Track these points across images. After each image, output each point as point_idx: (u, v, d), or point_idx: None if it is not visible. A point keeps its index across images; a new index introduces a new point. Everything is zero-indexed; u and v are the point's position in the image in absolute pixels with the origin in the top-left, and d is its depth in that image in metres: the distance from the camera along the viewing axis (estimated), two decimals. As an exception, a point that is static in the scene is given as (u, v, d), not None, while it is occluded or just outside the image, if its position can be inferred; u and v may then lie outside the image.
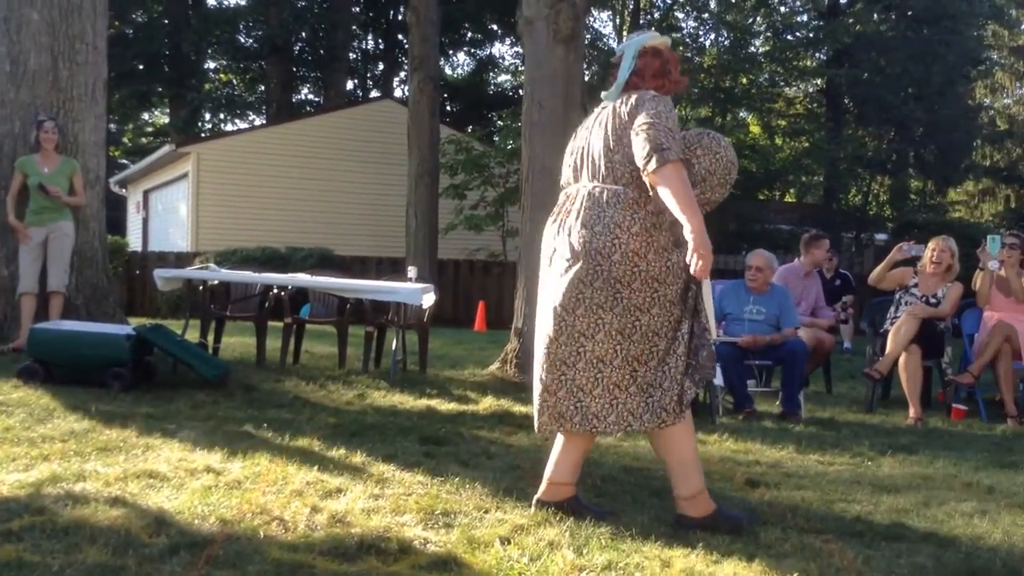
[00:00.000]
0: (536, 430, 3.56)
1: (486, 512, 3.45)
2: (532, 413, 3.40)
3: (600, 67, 18.98)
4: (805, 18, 20.86)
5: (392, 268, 14.06)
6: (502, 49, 29.60)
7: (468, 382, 7.50)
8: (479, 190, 16.15)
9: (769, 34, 20.50)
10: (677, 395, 3.30)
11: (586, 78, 18.42)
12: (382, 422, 5.37)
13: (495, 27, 26.11)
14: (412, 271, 7.99)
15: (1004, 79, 27.64)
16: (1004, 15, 25.45)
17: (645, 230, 3.24)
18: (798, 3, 20.68)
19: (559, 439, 3.58)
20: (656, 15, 20.42)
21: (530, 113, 7.81)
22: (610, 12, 20.57)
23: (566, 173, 3.53)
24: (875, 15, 20.65)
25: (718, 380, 6.04)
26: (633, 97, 3.31)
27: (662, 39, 3.54)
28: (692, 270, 3.14)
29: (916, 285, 6.82)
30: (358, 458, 4.28)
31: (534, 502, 3.52)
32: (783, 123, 21.71)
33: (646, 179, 3.18)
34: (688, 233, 3.09)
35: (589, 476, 4.13)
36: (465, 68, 29.67)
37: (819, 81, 21.83)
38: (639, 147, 3.16)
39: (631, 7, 20.11)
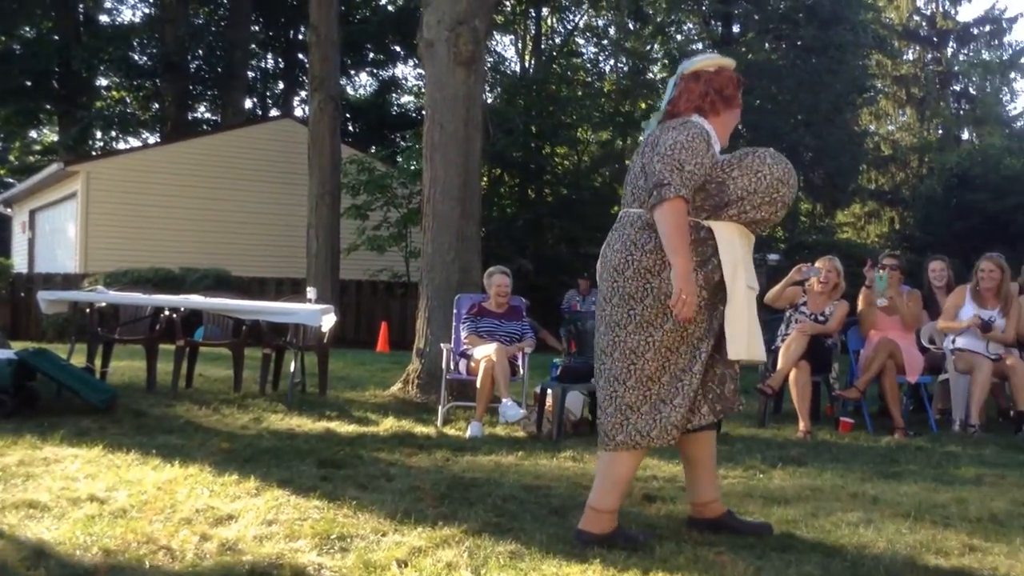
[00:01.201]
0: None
1: (383, 535, 3.40)
2: (436, 433, 3.42)
3: (503, 90, 19.15)
4: (700, 46, 21.48)
5: (293, 289, 13.82)
6: (405, 70, 29.66)
7: (369, 404, 7.41)
8: (382, 211, 16.05)
9: (666, 61, 21.05)
10: (684, 414, 3.30)
11: (489, 100, 18.60)
12: (278, 446, 5.25)
13: (398, 48, 26.07)
14: (311, 292, 7.87)
15: (887, 106, 29.05)
16: (887, 45, 26.72)
17: (659, 248, 3.23)
18: (693, 32, 21.30)
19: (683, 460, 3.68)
20: (557, 40, 20.74)
21: (431, 134, 7.81)
22: (512, 36, 20.81)
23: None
24: (766, 44, 21.42)
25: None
26: (665, 125, 3.37)
27: (709, 60, 3.54)
28: (674, 313, 3.17)
29: (805, 303, 7.06)
30: (251, 483, 4.17)
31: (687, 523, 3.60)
32: (681, 147, 22.26)
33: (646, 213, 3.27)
34: (673, 275, 3.15)
35: (488, 496, 4.12)
36: (368, 88, 29.53)
37: (715, 107, 22.50)
38: (649, 179, 3.24)
39: (533, 32, 20.37)
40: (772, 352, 7.11)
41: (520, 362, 6.72)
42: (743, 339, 3.30)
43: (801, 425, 6.42)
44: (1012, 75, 28.91)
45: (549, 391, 6.19)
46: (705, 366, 3.35)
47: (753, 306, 3.37)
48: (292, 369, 7.30)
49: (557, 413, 5.96)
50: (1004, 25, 28.50)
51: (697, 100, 3.43)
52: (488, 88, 19.35)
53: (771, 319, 7.94)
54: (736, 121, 3.58)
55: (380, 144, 24.72)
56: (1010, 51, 28.73)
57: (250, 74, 27.46)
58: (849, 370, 7.21)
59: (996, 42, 28.91)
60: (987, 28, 28.72)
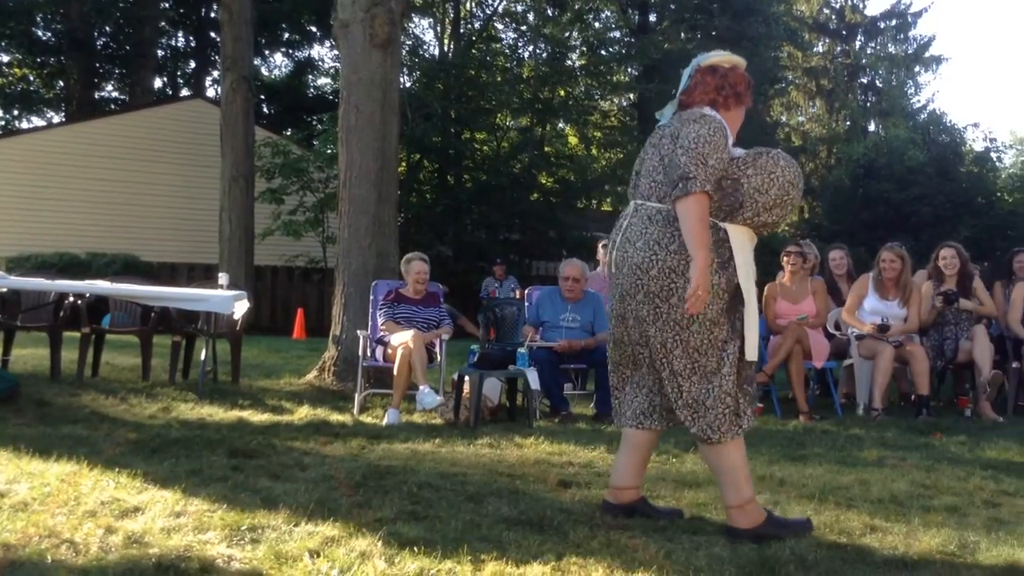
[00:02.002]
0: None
1: (296, 525, 3.34)
2: (352, 421, 3.39)
3: (422, 73, 18.98)
4: (617, 34, 21.67)
5: (205, 275, 13.50)
6: (321, 51, 29.08)
7: (283, 392, 7.29)
8: (298, 195, 15.79)
9: (584, 48, 21.17)
10: (726, 414, 3.32)
11: (407, 84, 18.42)
12: (188, 436, 5.12)
13: (314, 28, 25.60)
14: (223, 278, 7.69)
15: (798, 98, 29.80)
16: (798, 38, 27.39)
17: (683, 248, 3.23)
18: (611, 20, 21.46)
19: (623, 445, 3.67)
20: (476, 25, 20.65)
21: (347, 117, 7.70)
22: (431, 20, 20.63)
23: (629, 192, 3.59)
24: (682, 34, 21.74)
25: (535, 384, 6.16)
26: (682, 116, 3.36)
27: (724, 57, 3.55)
28: (687, 304, 3.19)
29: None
30: (159, 475, 4.05)
31: (601, 508, 3.63)
32: (599, 135, 22.44)
33: (671, 205, 3.26)
34: (692, 268, 3.16)
35: (404, 483, 4.10)
36: (283, 69, 28.94)
37: (631, 95, 22.73)
38: (671, 172, 3.25)
39: (452, 16, 20.24)
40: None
41: (438, 349, 6.70)
42: (753, 341, 3.39)
43: (714, 410, 6.55)
44: (916, 68, 29.89)
45: (467, 378, 6.18)
46: (737, 370, 3.37)
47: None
48: (203, 357, 7.13)
49: (474, 400, 5.96)
50: (909, 19, 29.52)
51: (712, 93, 3.45)
52: (406, 71, 19.15)
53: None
54: (742, 120, 3.61)
55: (296, 127, 24.28)
56: (915, 45, 29.75)
57: (159, 52, 26.65)
58: (760, 356, 7.38)
59: (902, 36, 29.91)
60: (893, 22, 29.69)
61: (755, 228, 3.41)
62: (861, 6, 29.85)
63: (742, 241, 3.36)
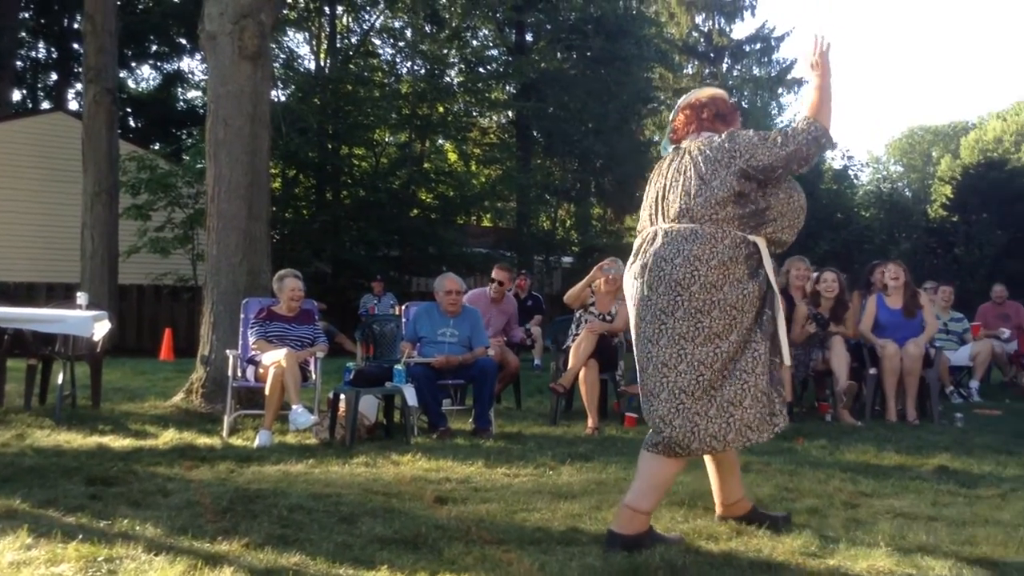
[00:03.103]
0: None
1: (156, 555, 3.20)
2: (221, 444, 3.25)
3: (297, 87, 18.66)
4: (495, 53, 21.86)
5: (65, 294, 12.81)
6: (191, 64, 28.18)
7: (148, 415, 6.99)
8: (165, 211, 15.22)
9: (462, 66, 21.26)
10: (762, 412, 3.42)
11: (281, 98, 18.08)
12: (43, 464, 4.84)
13: (183, 41, 24.83)
14: (82, 297, 7.33)
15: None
16: (669, 59, 28.25)
17: (722, 263, 3.37)
18: (488, 38, 21.64)
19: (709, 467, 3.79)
20: (353, 40, 20.45)
21: (215, 131, 7.48)
22: (306, 33, 20.32)
23: (643, 217, 3.69)
24: (558, 54, 22.10)
25: (412, 401, 6.09)
26: (715, 140, 3.52)
27: (701, 92, 3.81)
28: (714, 311, 3.35)
29: (594, 304, 7.31)
30: (11, 505, 3.81)
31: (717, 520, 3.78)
32: (478, 151, 22.56)
33: (802, 119, 3.44)
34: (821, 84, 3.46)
35: (274, 507, 3.98)
36: (151, 82, 27.93)
37: (510, 113, 22.95)
38: (773, 134, 3.44)
39: (328, 30, 19.99)
40: (564, 352, 7.33)
41: (312, 367, 6.55)
42: (786, 345, 3.54)
43: (590, 422, 6.64)
44: (780, 90, 31.28)
45: (342, 396, 6.06)
46: (769, 371, 3.46)
47: None
48: (60, 381, 6.77)
49: (350, 418, 5.85)
50: (773, 43, 30.82)
51: (697, 122, 3.69)
52: (280, 85, 18.79)
53: (561, 319, 8.19)
54: None
55: (165, 141, 23.46)
56: (778, 68, 31.11)
57: (19, 64, 25.30)
58: (634, 367, 7.50)
59: (766, 59, 31.21)
60: (758, 46, 30.95)
61: (771, 243, 3.55)
62: (728, 30, 30.97)
63: (766, 253, 3.50)
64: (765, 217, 3.48)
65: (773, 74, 30.96)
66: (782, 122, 30.56)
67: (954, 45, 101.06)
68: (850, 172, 24.16)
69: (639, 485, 3.49)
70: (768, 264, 3.49)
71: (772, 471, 5.02)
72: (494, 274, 8.60)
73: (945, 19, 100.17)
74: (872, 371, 7.49)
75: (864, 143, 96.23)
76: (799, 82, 31.04)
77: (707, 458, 3.74)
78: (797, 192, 3.57)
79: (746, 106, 30.56)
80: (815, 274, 7.79)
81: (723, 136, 3.52)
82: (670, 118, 3.83)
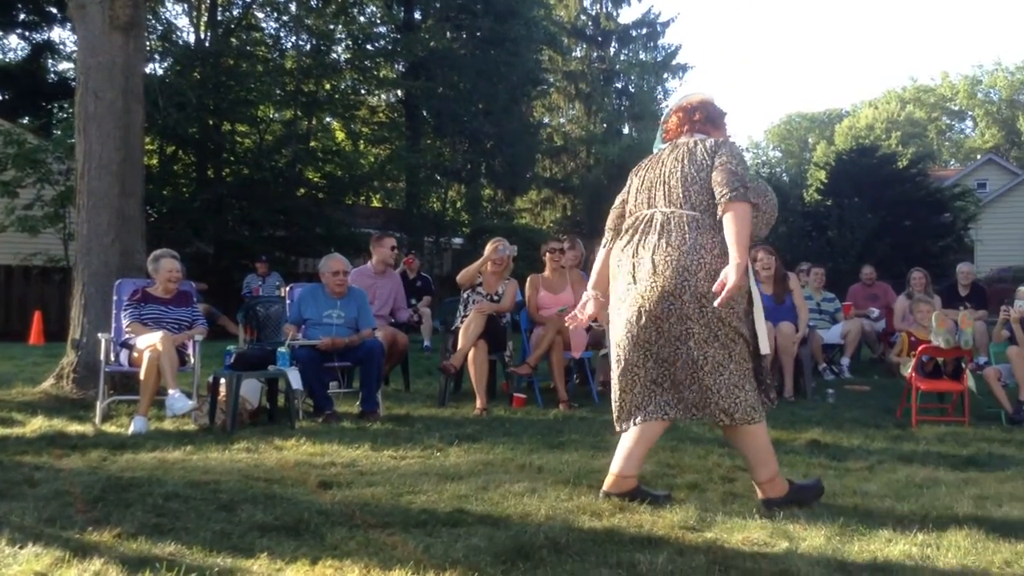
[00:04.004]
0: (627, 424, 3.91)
1: (21, 547, 3.04)
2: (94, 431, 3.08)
3: (175, 60, 17.93)
4: (383, 29, 21.50)
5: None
6: (62, 34, 26.74)
7: (15, 402, 6.64)
8: (35, 188, 14.44)
9: (350, 42, 20.82)
10: (757, 396, 3.76)
11: (159, 72, 17.37)
12: None
13: (53, 9, 23.54)
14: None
15: (559, 100, 30.90)
16: (558, 42, 28.41)
17: (723, 253, 3.63)
18: (376, 15, 21.27)
19: (630, 435, 3.89)
20: (235, 12, 19.76)
21: (85, 104, 7.12)
22: (185, 5, 19.53)
23: (639, 199, 3.92)
24: (447, 33, 21.93)
25: (297, 384, 5.97)
26: (707, 141, 3.82)
27: (691, 96, 4.06)
28: (718, 297, 3.55)
29: (481, 284, 7.31)
30: None
31: (601, 495, 3.84)
32: (367, 130, 22.19)
33: (720, 206, 3.62)
34: (733, 265, 3.53)
35: (149, 495, 3.84)
36: (19, 52, 26.38)
37: (399, 92, 22.66)
38: (723, 178, 3.64)
39: (208, 1, 19.25)
40: (453, 333, 7.31)
41: (191, 351, 6.34)
42: (765, 337, 3.83)
43: (478, 403, 6.64)
44: (665, 75, 31.82)
45: (222, 380, 5.88)
46: (753, 360, 3.81)
47: None
48: (-84, 368, 6.36)
49: (231, 403, 5.69)
50: (658, 29, 31.33)
51: (688, 124, 3.97)
52: (158, 58, 18.04)
53: (450, 300, 8.16)
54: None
55: (34, 114, 22.25)
56: (663, 53, 31.65)
57: None
58: (522, 348, 7.57)
59: (652, 44, 31.70)
60: (644, 31, 31.41)
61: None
62: (615, 14, 31.31)
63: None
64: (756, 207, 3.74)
65: (659, 59, 31.50)
66: (667, 107, 31.14)
67: (830, 35, 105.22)
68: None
69: (752, 460, 3.81)
70: (749, 264, 3.72)
71: (655, 448, 5.08)
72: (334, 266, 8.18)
73: (822, 10, 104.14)
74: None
75: (744, 129, 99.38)
76: (683, 68, 31.74)
77: (642, 428, 3.88)
78: (770, 193, 3.93)
79: (633, 90, 31.08)
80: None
81: (718, 142, 3.82)
82: (662, 120, 4.13)
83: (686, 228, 3.71)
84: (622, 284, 3.87)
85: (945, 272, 14.25)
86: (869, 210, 18.86)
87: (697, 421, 4.16)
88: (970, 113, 67.51)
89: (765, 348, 3.83)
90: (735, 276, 3.53)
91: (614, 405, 3.98)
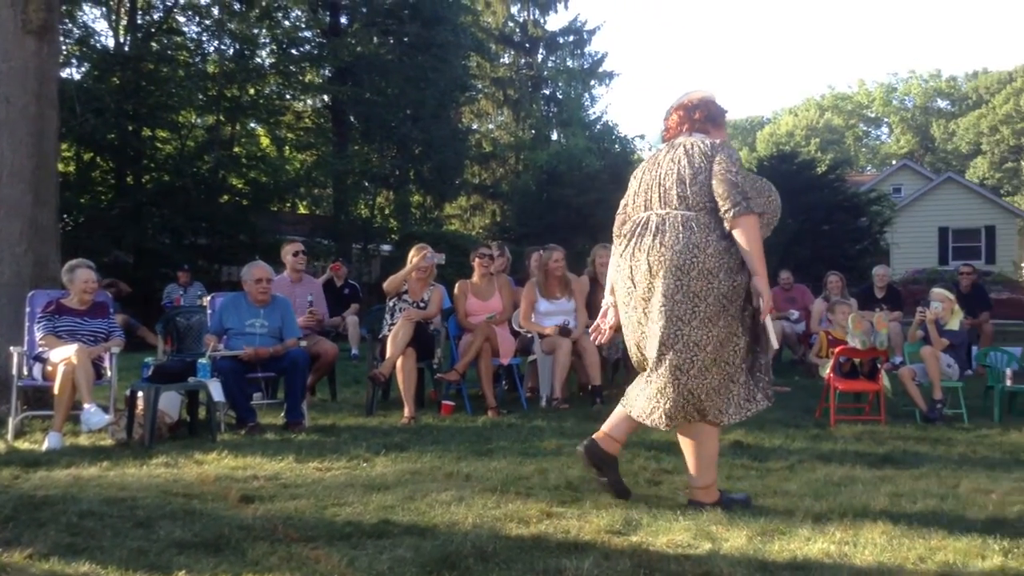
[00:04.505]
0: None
1: (-79, 574, 2.90)
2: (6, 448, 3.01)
3: (93, 65, 17.43)
4: (309, 34, 21.25)
5: None
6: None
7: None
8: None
9: (274, 47, 20.52)
10: (742, 395, 3.79)
11: (76, 76, 16.85)
12: None
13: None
14: None
15: (487, 106, 30.97)
16: (485, 48, 28.46)
17: (718, 252, 3.69)
18: (301, 19, 21.00)
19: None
20: (155, 16, 19.31)
21: (-5, 109, 6.86)
22: (104, 8, 19.01)
23: (636, 202, 3.96)
24: (374, 38, 21.78)
25: (218, 396, 5.84)
26: (705, 142, 3.84)
27: (692, 94, 4.07)
28: (762, 314, 3.70)
29: (407, 291, 7.26)
30: None
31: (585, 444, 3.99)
32: (292, 136, 21.89)
33: (726, 221, 3.66)
34: (757, 281, 3.67)
35: (63, 514, 3.71)
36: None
37: (325, 97, 22.42)
38: (724, 191, 3.67)
39: (128, 5, 18.77)
40: (380, 341, 7.24)
41: (107, 363, 6.16)
42: (773, 334, 3.85)
43: (406, 411, 6.59)
44: (592, 82, 32.17)
45: (140, 393, 5.72)
46: (750, 360, 3.84)
47: None
48: None
49: (149, 416, 5.53)
50: (585, 36, 31.65)
51: (688, 123, 3.99)
52: (75, 63, 17.51)
53: (377, 308, 8.09)
54: (727, 140, 4.09)
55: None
56: (590, 60, 31.99)
57: None
58: (450, 355, 7.54)
59: (579, 51, 32.03)
60: (571, 38, 31.70)
61: None
62: (542, 21, 31.53)
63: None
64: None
65: (586, 66, 31.82)
66: (594, 114, 31.49)
67: (752, 43, 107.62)
68: (658, 162, 25.11)
69: (692, 463, 3.88)
70: (750, 260, 3.77)
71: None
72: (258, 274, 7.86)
73: (743, 19, 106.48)
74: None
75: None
76: (610, 75, 32.12)
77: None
78: (773, 193, 3.92)
79: (560, 97, 31.33)
80: None
81: (715, 145, 3.83)
82: (663, 118, 4.14)
83: (680, 228, 3.74)
84: (623, 289, 3.93)
85: (862, 275, 14.67)
86: (789, 215, 19.20)
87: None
88: (886, 120, 69.73)
89: (774, 343, 3.89)
90: (765, 291, 3.69)
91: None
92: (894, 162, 47.59)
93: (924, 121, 66.09)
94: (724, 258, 3.70)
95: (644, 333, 3.85)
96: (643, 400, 3.86)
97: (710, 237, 3.71)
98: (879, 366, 6.84)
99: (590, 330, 4.44)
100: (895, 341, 8.60)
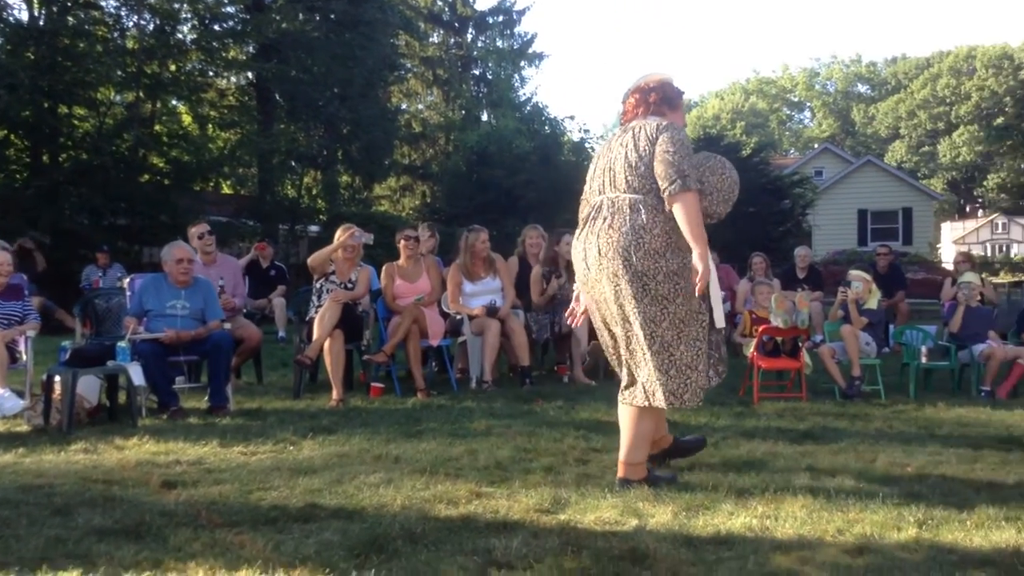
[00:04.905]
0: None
1: None
2: None
3: (6, 40, 16.72)
4: (232, 9, 20.71)
5: None
6: None
7: None
8: None
9: (195, 22, 19.95)
10: (704, 372, 3.87)
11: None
12: None
13: None
14: None
15: (417, 86, 30.70)
16: (414, 27, 28.17)
17: (665, 232, 3.78)
18: (224, -7, 20.44)
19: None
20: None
21: None
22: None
23: (592, 187, 4.07)
24: (299, 15, 21.35)
25: (139, 380, 5.69)
26: (652, 123, 3.90)
27: (649, 77, 4.13)
28: (696, 290, 3.74)
29: (334, 272, 7.17)
30: None
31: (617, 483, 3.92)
32: (215, 114, 21.36)
33: (665, 198, 3.74)
34: (695, 257, 3.70)
35: (-26, 503, 3.57)
36: None
37: (249, 74, 21.91)
38: (662, 170, 3.75)
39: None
40: (307, 323, 7.14)
41: (22, 347, 5.96)
42: (719, 311, 3.94)
43: (334, 394, 6.52)
44: (521, 63, 32.10)
45: (57, 377, 5.55)
46: (709, 336, 3.95)
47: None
48: None
49: (67, 401, 5.37)
50: (514, 16, 31.57)
51: (644, 106, 4.06)
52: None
53: (305, 290, 7.97)
54: (684, 123, 4.20)
55: None
56: (520, 41, 31.92)
57: None
58: (379, 337, 7.48)
59: (508, 32, 31.92)
60: (500, 18, 31.59)
61: (707, 217, 3.93)
62: (471, 1, 31.35)
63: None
64: (700, 192, 3.84)
65: (515, 47, 31.74)
66: (524, 95, 31.44)
67: (679, 27, 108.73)
68: (587, 145, 25.40)
69: (627, 440, 3.93)
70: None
71: (512, 433, 5.17)
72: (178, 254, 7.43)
73: (670, 1, 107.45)
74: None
75: (599, 117, 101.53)
76: (539, 56, 32.10)
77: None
78: (727, 169, 4.02)
79: (490, 77, 31.21)
80: (565, 237, 8.08)
81: (660, 126, 3.87)
82: (621, 100, 4.21)
83: (628, 211, 3.83)
84: (580, 272, 4.04)
85: (785, 256, 14.98)
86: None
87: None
88: (808, 104, 71.28)
89: (720, 322, 3.97)
90: (701, 265, 3.70)
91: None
92: (816, 146, 48.72)
93: (845, 105, 67.74)
94: (672, 237, 3.79)
95: (607, 312, 3.97)
96: (639, 390, 3.91)
97: (657, 218, 3.80)
98: (800, 345, 7.01)
99: (566, 314, 4.51)
100: (816, 320, 8.82)
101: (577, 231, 4.12)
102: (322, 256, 7.14)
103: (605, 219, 3.89)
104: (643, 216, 3.80)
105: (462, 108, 30.43)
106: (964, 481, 3.98)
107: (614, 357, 4.08)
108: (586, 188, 4.14)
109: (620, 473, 3.96)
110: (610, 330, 4.02)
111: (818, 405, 6.40)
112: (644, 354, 3.84)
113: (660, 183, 3.77)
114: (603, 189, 3.99)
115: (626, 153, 3.91)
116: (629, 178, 3.87)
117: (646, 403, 3.86)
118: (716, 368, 4.08)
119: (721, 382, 4.15)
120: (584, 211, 4.09)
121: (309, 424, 5.53)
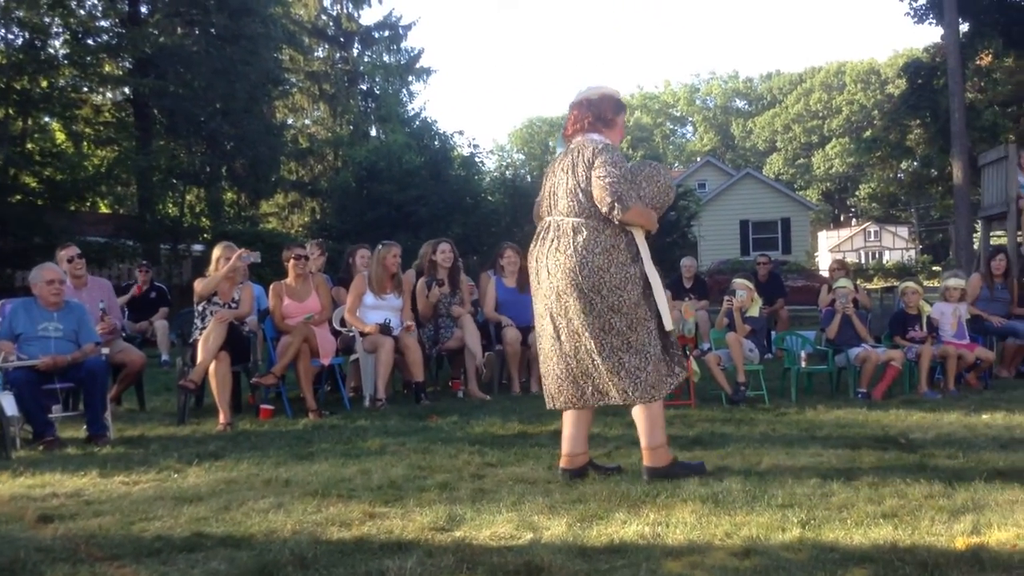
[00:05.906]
0: (552, 407, 4.35)
1: None
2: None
3: None
4: (106, 23, 19.99)
5: None
6: None
7: None
8: None
9: (68, 36, 19.17)
10: (661, 374, 4.15)
11: None
12: None
13: None
14: None
15: (302, 100, 30.25)
16: (298, 41, 27.76)
17: (606, 250, 4.11)
18: (98, 8, 19.72)
19: (569, 419, 4.30)
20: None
21: None
22: None
23: (543, 207, 4.37)
24: (177, 29, 20.79)
25: (11, 410, 5.41)
26: (588, 148, 4.17)
27: (592, 90, 4.34)
28: (604, 291, 4.08)
29: (216, 294, 6.98)
30: None
31: (560, 473, 4.26)
32: (91, 131, 20.55)
33: (615, 220, 4.07)
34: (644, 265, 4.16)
35: None
36: None
37: (126, 90, 21.19)
38: (602, 195, 4.05)
39: None
40: (191, 346, 6.93)
41: None
42: (667, 314, 4.21)
43: (221, 417, 6.34)
44: (409, 78, 32.03)
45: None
46: (661, 339, 4.20)
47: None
48: None
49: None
50: (401, 32, 31.49)
51: (582, 122, 4.29)
52: None
53: (187, 311, 7.73)
54: (622, 135, 4.45)
55: None
56: (407, 56, 31.84)
57: None
58: (268, 358, 7.31)
59: (395, 47, 31.81)
60: (386, 33, 31.46)
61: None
62: (356, 15, 31.09)
63: (642, 239, 4.22)
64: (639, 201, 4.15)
65: (403, 62, 31.66)
66: (413, 110, 31.34)
67: (565, 43, 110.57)
68: (477, 159, 25.45)
69: (643, 428, 4.21)
70: (644, 250, 4.21)
71: (406, 451, 5.13)
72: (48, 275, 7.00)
73: (556, 18, 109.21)
74: (498, 347, 7.94)
75: (489, 132, 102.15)
76: (427, 71, 32.11)
77: (569, 413, 4.33)
78: (660, 175, 4.32)
79: (378, 92, 31.01)
80: (440, 245, 8.09)
81: (596, 150, 4.13)
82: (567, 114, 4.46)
83: (571, 233, 4.15)
84: (534, 285, 4.36)
85: (672, 266, 15.36)
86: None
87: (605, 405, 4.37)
88: (690, 119, 73.43)
89: (668, 325, 4.23)
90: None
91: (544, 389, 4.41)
92: (698, 159, 50.26)
93: (724, 120, 70.12)
94: (613, 254, 4.12)
95: (543, 332, 4.32)
96: (569, 395, 4.26)
97: (599, 239, 4.12)
98: (688, 353, 7.18)
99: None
100: (702, 328, 9.07)
101: (532, 243, 4.40)
102: (210, 285, 6.94)
103: (552, 241, 4.22)
104: (586, 237, 4.12)
105: (350, 123, 30.14)
106: (844, 481, 4.14)
107: (550, 367, 4.31)
108: (537, 202, 4.45)
109: (645, 461, 4.23)
110: (551, 345, 4.27)
111: (706, 411, 6.57)
112: (594, 361, 4.14)
113: (602, 208, 4.08)
114: (551, 210, 4.31)
115: (567, 179, 4.21)
116: (570, 203, 4.19)
117: (598, 404, 4.23)
118: (681, 362, 4.33)
119: (686, 375, 4.46)
120: (538, 225, 4.40)
121: (195, 450, 5.35)
